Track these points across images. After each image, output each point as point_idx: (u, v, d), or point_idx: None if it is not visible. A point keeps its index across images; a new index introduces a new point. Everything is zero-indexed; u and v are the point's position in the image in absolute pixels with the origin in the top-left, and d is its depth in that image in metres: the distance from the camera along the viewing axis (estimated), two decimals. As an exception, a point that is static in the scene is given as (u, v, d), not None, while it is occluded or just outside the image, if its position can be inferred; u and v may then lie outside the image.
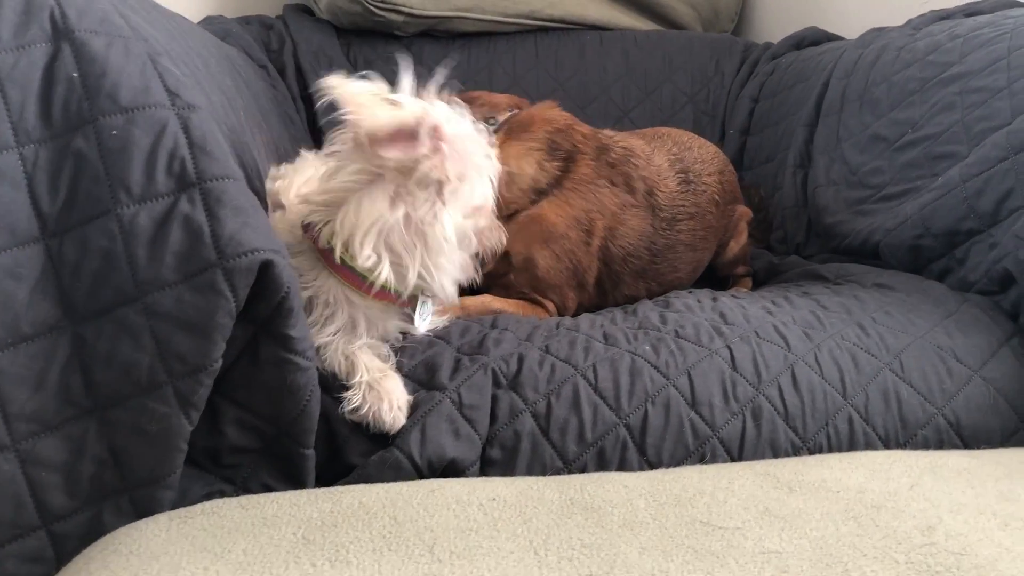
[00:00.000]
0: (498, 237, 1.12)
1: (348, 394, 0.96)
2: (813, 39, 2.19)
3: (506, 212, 1.29)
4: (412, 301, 1.07)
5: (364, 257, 0.98)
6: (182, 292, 0.78)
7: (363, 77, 0.97)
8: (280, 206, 1.16)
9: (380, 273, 0.99)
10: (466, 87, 2.12)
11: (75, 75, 0.79)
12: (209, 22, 2.03)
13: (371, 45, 2.17)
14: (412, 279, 1.00)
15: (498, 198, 1.12)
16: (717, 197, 1.56)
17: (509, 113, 1.41)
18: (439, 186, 0.98)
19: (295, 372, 0.87)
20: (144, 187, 0.79)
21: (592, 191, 1.36)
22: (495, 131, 1.34)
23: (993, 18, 1.50)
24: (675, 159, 1.51)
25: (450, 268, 1.04)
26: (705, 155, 1.59)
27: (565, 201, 1.34)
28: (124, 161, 0.79)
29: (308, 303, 1.02)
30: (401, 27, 2.16)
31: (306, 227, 1.03)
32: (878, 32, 1.83)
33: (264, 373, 0.86)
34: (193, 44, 1.10)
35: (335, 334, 1.02)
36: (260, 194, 1.08)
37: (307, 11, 2.27)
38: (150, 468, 0.81)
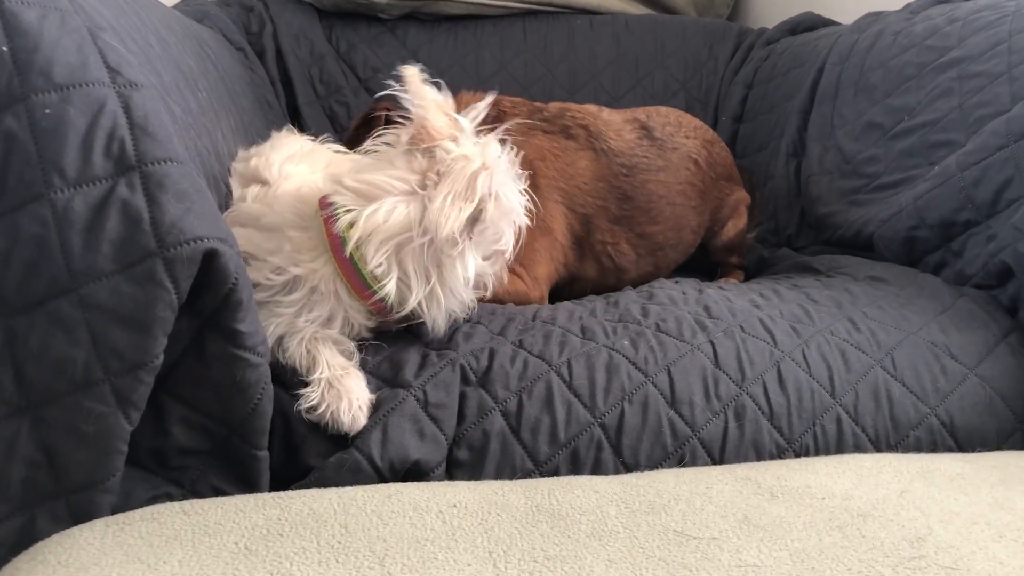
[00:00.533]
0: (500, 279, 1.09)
1: (306, 391, 0.91)
2: (809, 24, 2.13)
3: None
4: (400, 320, 1.02)
5: (374, 264, 0.93)
6: (119, 283, 0.73)
7: (435, 84, 0.98)
8: (262, 181, 1.10)
9: (385, 285, 0.94)
10: (451, 72, 2.08)
11: (4, 49, 0.73)
12: (187, 3, 1.97)
13: (354, 28, 2.12)
14: (412, 303, 0.96)
15: None
16: (696, 157, 1.53)
17: None
18: (472, 224, 0.94)
19: (244, 369, 0.81)
20: (80, 170, 0.73)
21: (524, 141, 1.34)
22: None
23: (993, 1, 1.44)
24: (635, 119, 1.51)
25: (453, 304, 1.00)
26: (683, 121, 1.58)
27: None
28: (58, 142, 0.73)
29: (293, 282, 0.97)
30: (385, 9, 2.10)
31: (324, 203, 0.97)
32: (875, 16, 1.77)
33: (211, 370, 0.81)
34: (150, 21, 1.04)
35: (309, 323, 0.97)
36: (219, 178, 1.03)
37: (289, -7, 2.21)
38: (87, 471, 0.76)
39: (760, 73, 2.07)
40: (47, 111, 0.73)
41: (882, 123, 1.51)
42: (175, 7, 1.90)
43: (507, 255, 1.04)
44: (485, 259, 1.01)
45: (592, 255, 1.42)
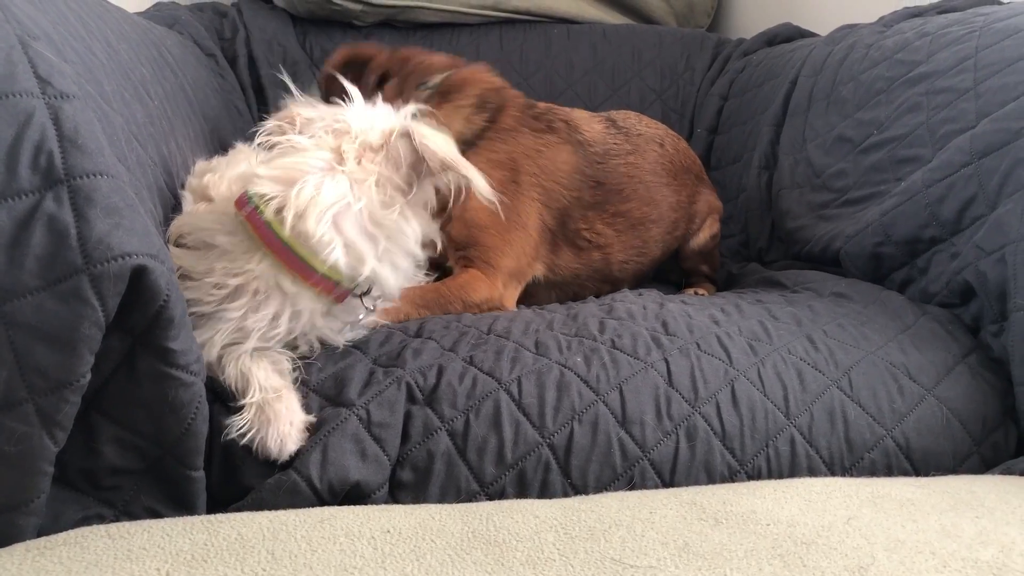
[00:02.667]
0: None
1: (235, 417, 0.89)
2: (786, 35, 2.13)
3: None
4: (343, 298, 1.00)
5: (319, 234, 0.91)
6: (44, 300, 0.71)
7: None
8: (208, 199, 1.08)
9: (331, 252, 0.92)
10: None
11: (-74, 58, 0.71)
12: (159, 8, 1.95)
13: (328, 35, 2.10)
14: (367, 270, 0.95)
15: None
16: (659, 141, 1.61)
17: (442, 76, 1.44)
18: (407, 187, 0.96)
19: (177, 388, 0.79)
20: (5, 184, 0.71)
21: (513, 136, 1.41)
22: (429, 95, 1.40)
23: (963, 16, 1.43)
24: (598, 115, 1.60)
25: (405, 266, 1.00)
26: (642, 118, 1.67)
27: (487, 148, 1.38)
28: (-18, 155, 0.71)
29: (235, 292, 0.95)
30: (359, 17, 2.09)
31: (241, 202, 0.95)
32: (849, 29, 1.77)
33: (143, 389, 0.79)
34: (98, 29, 1.02)
35: (257, 326, 0.95)
36: (164, 188, 1.01)
37: (264, -1, 2.19)
38: (9, 493, 0.73)
39: (736, 85, 2.06)
40: (-30, 123, 0.71)
41: (852, 137, 1.50)
42: (146, 12, 1.89)
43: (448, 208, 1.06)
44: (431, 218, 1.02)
45: (567, 242, 1.46)
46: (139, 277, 0.74)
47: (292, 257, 0.93)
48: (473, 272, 1.31)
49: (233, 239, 0.96)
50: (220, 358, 0.93)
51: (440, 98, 1.40)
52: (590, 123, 1.54)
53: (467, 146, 1.36)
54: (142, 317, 0.76)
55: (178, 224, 1.00)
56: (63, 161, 0.73)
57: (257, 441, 0.87)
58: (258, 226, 0.93)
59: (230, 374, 0.92)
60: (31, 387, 0.72)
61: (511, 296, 1.35)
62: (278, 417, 0.88)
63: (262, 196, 0.93)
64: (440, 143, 0.98)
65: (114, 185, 0.75)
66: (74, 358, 0.72)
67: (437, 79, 1.43)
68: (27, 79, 0.74)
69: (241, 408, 0.89)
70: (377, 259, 0.96)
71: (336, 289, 0.97)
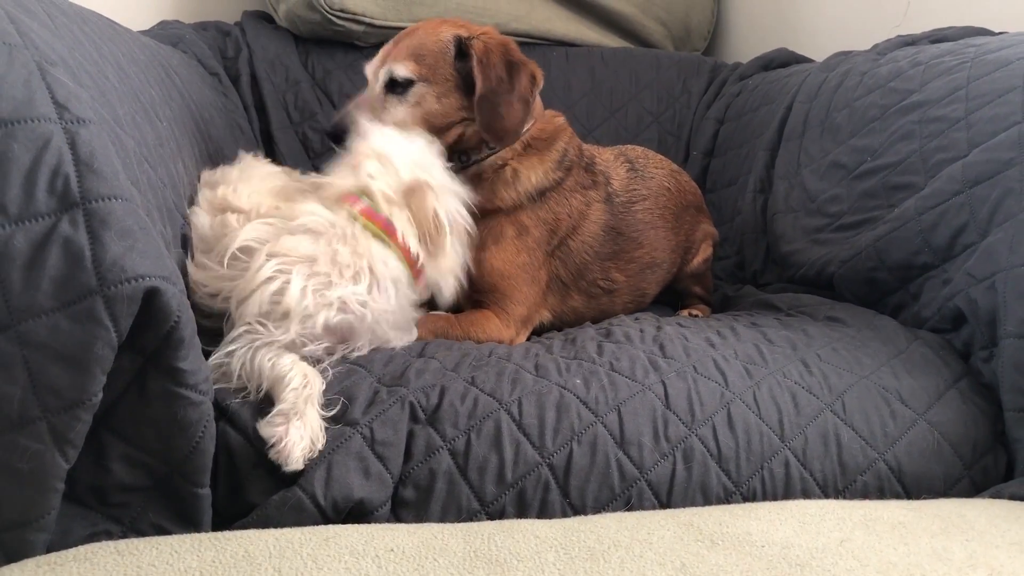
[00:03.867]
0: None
1: (270, 418, 0.91)
2: (782, 61, 2.15)
3: (490, 207, 1.37)
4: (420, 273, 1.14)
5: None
6: (59, 321, 0.73)
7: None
8: (235, 210, 1.12)
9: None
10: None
11: (-51, 84, 0.73)
12: (163, 27, 1.97)
13: (330, 55, 2.12)
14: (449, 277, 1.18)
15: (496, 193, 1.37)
16: (667, 185, 1.60)
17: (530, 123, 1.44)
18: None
19: (186, 407, 0.81)
20: (22, 206, 0.73)
21: (568, 198, 1.43)
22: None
23: (955, 46, 1.46)
24: (620, 154, 1.61)
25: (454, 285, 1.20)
26: (649, 155, 1.67)
27: (546, 206, 1.41)
28: (0, 178, 0.73)
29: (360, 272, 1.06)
30: (361, 37, 2.11)
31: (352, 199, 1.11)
32: (843, 56, 1.80)
33: (153, 408, 0.81)
34: (110, 52, 1.05)
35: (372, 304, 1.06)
36: (174, 209, 1.02)
37: (267, 18, 2.21)
38: (21, 509, 0.75)
39: (732, 109, 2.09)
40: (-10, 146, 0.73)
41: (846, 163, 1.52)
42: (150, 31, 1.91)
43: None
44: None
45: (580, 291, 1.47)
46: (151, 299, 0.76)
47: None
48: (488, 312, 1.34)
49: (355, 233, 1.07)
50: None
51: (528, 148, 1.42)
52: (617, 169, 1.55)
53: (537, 197, 1.40)
54: (153, 338, 0.78)
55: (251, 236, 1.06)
56: (79, 185, 0.75)
57: (283, 447, 0.89)
58: (381, 222, 1.09)
59: (266, 367, 0.95)
60: (44, 406, 0.73)
61: (521, 340, 1.37)
62: (306, 426, 0.90)
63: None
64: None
65: (128, 208, 0.77)
66: (87, 378, 0.74)
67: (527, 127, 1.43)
68: (45, 105, 0.76)
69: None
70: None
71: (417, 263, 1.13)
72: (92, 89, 0.88)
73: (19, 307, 0.72)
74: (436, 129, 1.36)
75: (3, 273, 0.72)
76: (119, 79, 1.02)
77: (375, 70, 1.39)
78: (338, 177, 1.14)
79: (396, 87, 1.36)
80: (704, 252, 1.70)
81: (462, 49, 1.37)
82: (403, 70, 1.35)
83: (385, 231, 1.10)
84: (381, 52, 1.41)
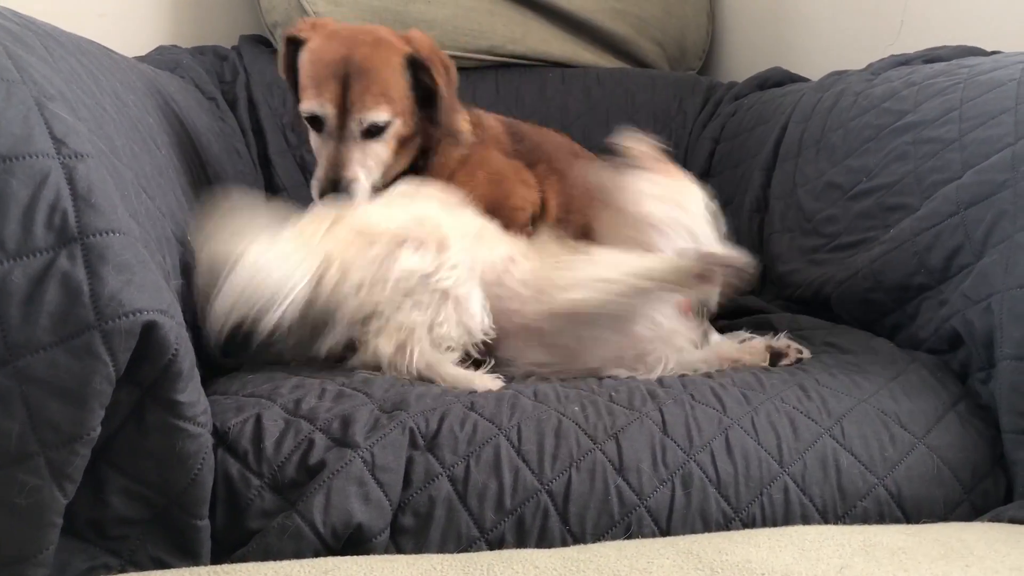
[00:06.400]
0: None
1: None
2: (777, 80, 2.16)
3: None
4: None
5: None
6: (57, 356, 0.73)
7: None
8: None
9: None
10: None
11: (-52, 121, 0.74)
12: (161, 52, 1.98)
13: (327, 78, 2.13)
14: None
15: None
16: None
17: None
18: None
19: (184, 439, 0.81)
20: (20, 242, 0.73)
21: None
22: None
23: (948, 67, 1.47)
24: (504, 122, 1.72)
25: None
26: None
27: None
28: (-1, 214, 0.73)
29: None
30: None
31: None
32: (838, 76, 1.80)
33: (151, 440, 0.81)
34: (107, 82, 1.05)
35: None
36: (171, 239, 1.03)
37: (264, 42, 2.22)
38: (19, 545, 0.75)
39: (727, 128, 2.10)
40: (-12, 183, 0.73)
41: (841, 183, 1.53)
42: (148, 56, 1.92)
43: None
44: None
45: None
46: (149, 332, 0.76)
47: None
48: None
49: None
50: None
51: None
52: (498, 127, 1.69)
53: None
54: (151, 371, 0.78)
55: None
56: (77, 220, 0.75)
57: None
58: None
59: None
60: (43, 441, 0.73)
61: None
62: None
63: None
64: None
65: (126, 242, 0.77)
66: (85, 412, 0.74)
67: None
68: (43, 140, 0.76)
69: None
70: None
71: None
72: (90, 122, 0.88)
73: (17, 342, 0.73)
74: (402, 147, 1.41)
75: (1, 308, 0.72)
76: (117, 109, 1.02)
77: (343, 121, 1.36)
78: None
79: (374, 132, 1.36)
80: None
81: (412, 63, 1.40)
82: (382, 116, 1.35)
83: None
84: (331, 94, 1.35)
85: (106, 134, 0.92)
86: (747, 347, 1.26)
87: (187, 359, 0.81)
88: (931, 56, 1.63)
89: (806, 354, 1.23)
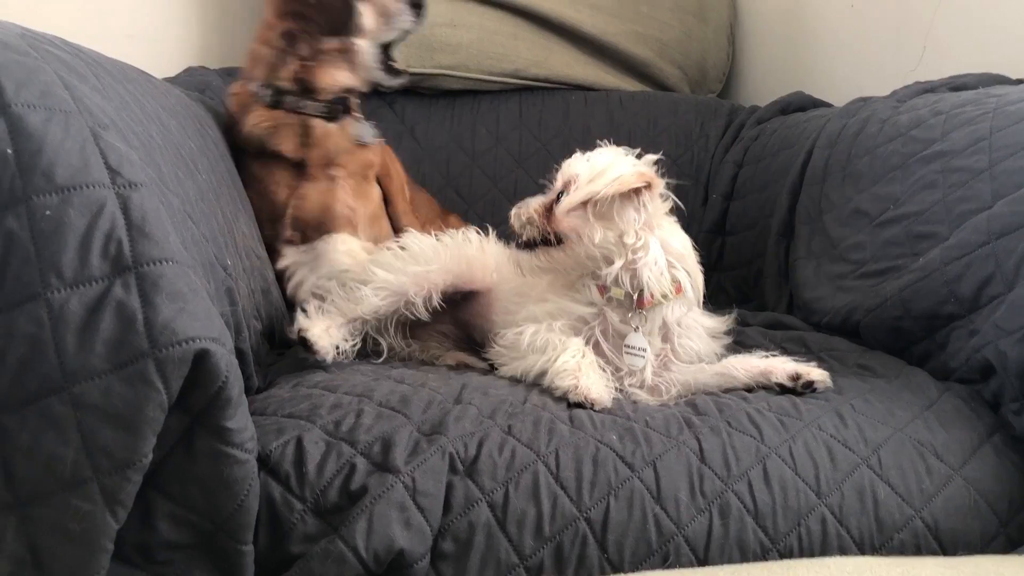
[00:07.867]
0: None
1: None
2: (799, 104, 2.17)
3: None
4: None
5: None
6: (111, 383, 0.74)
7: None
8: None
9: None
10: (448, 148, 2.15)
11: (9, 151, 0.75)
12: (190, 73, 2.00)
13: (353, 100, 2.14)
14: None
15: None
16: None
17: None
18: None
19: (232, 466, 0.82)
20: (77, 271, 0.75)
21: None
22: None
23: (976, 95, 1.47)
24: None
25: None
26: None
27: None
28: (57, 243, 0.75)
29: None
30: (383, 83, 2.14)
31: None
32: (863, 102, 1.81)
33: (199, 466, 0.82)
34: (152, 109, 1.07)
35: None
36: (215, 263, 1.04)
37: (291, 63, 2.24)
38: (72, 569, 0.76)
39: (751, 152, 2.11)
40: (47, 212, 0.75)
41: (868, 211, 1.53)
42: (177, 77, 1.94)
43: None
44: None
45: None
46: (201, 360, 0.77)
47: None
48: None
49: None
50: None
51: None
52: None
53: None
54: (202, 398, 0.79)
55: None
56: (131, 249, 0.77)
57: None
58: None
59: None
60: (96, 467, 0.74)
61: None
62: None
63: None
64: None
65: (178, 271, 0.78)
66: (138, 439, 0.75)
67: None
68: (99, 170, 0.78)
69: None
70: None
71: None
72: (140, 149, 0.90)
73: (73, 369, 0.74)
74: None
75: (58, 336, 0.74)
76: (162, 136, 1.04)
77: None
78: None
79: None
80: None
81: None
82: None
83: None
84: None
85: (154, 161, 0.93)
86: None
87: (236, 386, 0.82)
88: (956, 84, 1.63)
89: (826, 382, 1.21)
